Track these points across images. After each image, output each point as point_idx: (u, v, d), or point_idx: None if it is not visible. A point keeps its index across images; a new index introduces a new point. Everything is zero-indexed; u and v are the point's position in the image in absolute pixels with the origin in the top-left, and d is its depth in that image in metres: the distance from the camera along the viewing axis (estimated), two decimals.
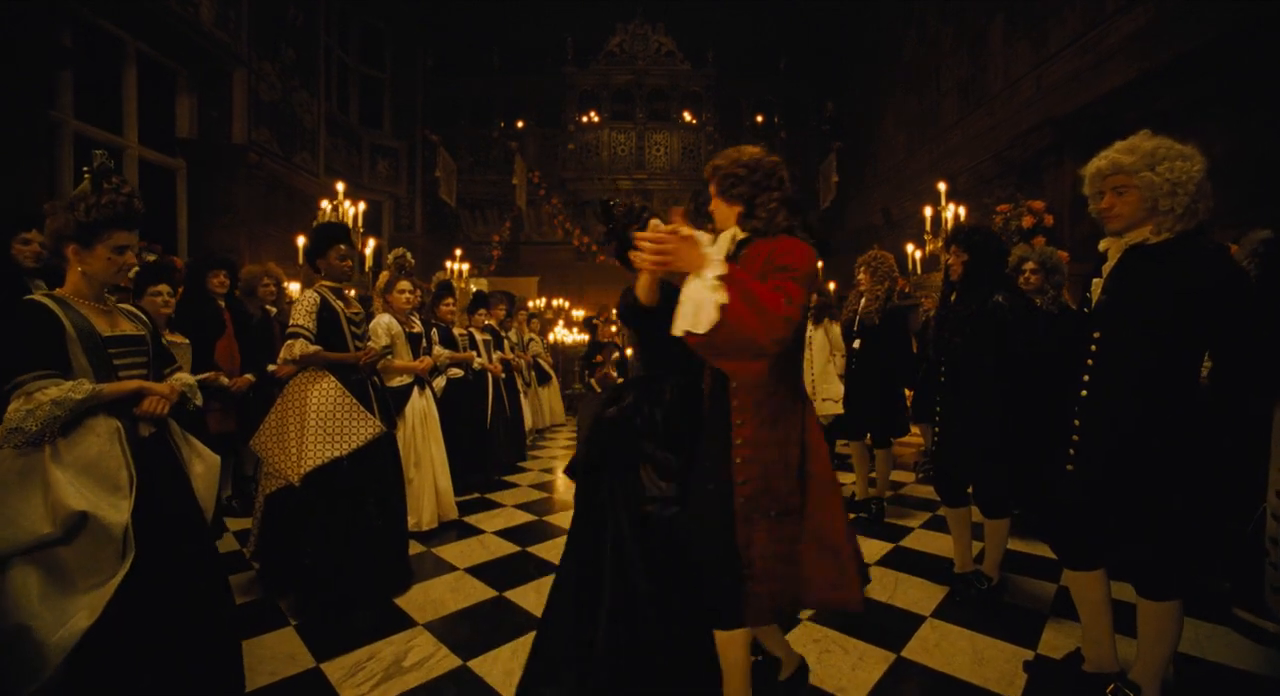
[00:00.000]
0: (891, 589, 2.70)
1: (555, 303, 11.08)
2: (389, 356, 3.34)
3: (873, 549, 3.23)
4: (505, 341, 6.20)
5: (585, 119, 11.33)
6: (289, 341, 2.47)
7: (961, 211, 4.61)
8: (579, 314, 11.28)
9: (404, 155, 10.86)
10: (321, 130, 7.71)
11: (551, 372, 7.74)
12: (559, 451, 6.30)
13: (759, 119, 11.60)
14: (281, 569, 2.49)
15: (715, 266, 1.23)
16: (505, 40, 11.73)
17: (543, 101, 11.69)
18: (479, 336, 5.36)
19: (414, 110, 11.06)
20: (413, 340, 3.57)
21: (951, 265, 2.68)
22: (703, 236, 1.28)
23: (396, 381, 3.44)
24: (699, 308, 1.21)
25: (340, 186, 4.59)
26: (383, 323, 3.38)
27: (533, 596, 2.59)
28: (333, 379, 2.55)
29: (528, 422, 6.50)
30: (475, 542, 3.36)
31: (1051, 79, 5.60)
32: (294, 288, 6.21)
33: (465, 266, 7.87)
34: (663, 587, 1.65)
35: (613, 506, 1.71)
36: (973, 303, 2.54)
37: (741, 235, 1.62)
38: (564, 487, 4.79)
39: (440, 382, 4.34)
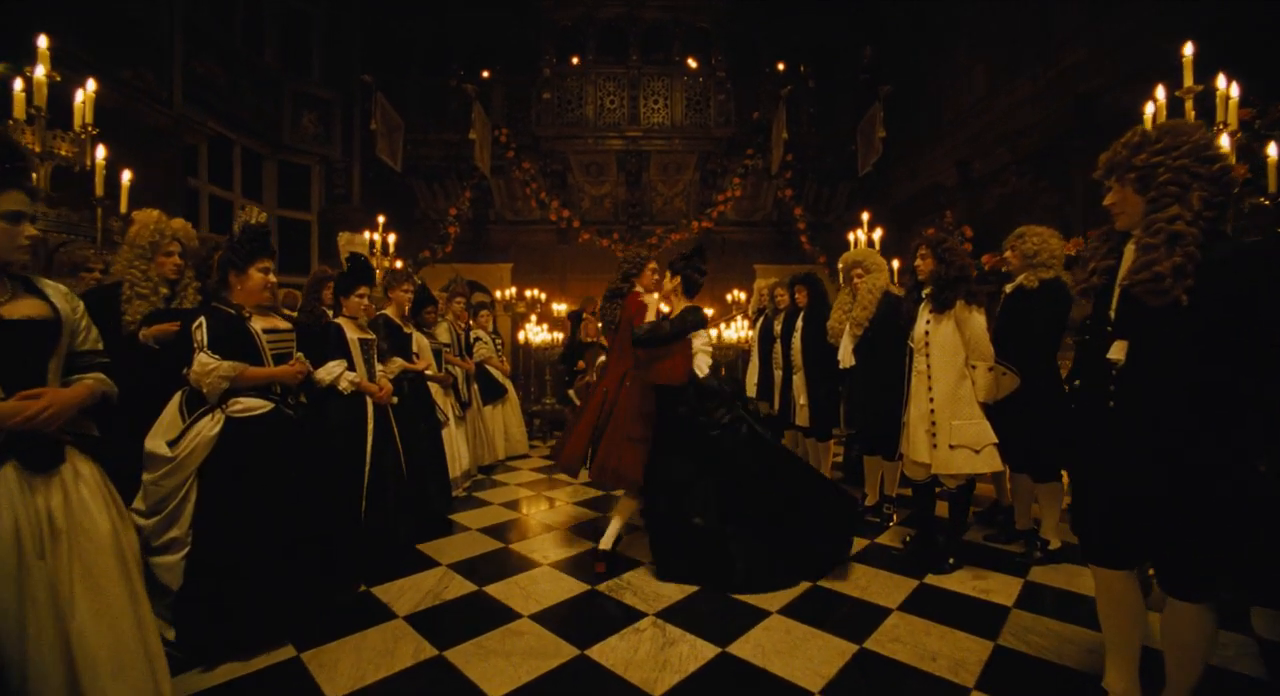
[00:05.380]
0: None
1: (529, 293, 8.88)
2: None
3: None
4: (417, 339, 3.99)
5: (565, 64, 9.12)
6: None
7: (1234, 89, 2.44)
8: (561, 308, 9.07)
9: (338, 108, 8.65)
10: (178, 42, 5.48)
11: (508, 384, 5.54)
12: (510, 512, 4.02)
13: (780, 66, 9.38)
14: None
15: None
16: None
17: (512, 44, 9.47)
18: (353, 334, 3.18)
19: (351, 54, 8.86)
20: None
21: None
22: None
23: None
24: None
25: (43, 40, 2.37)
26: None
27: None
28: None
29: (461, 463, 4.30)
30: None
31: None
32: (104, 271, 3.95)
33: (391, 237, 5.68)
34: None
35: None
36: None
37: None
38: (519, 591, 2.50)
39: (212, 428, 2.15)
